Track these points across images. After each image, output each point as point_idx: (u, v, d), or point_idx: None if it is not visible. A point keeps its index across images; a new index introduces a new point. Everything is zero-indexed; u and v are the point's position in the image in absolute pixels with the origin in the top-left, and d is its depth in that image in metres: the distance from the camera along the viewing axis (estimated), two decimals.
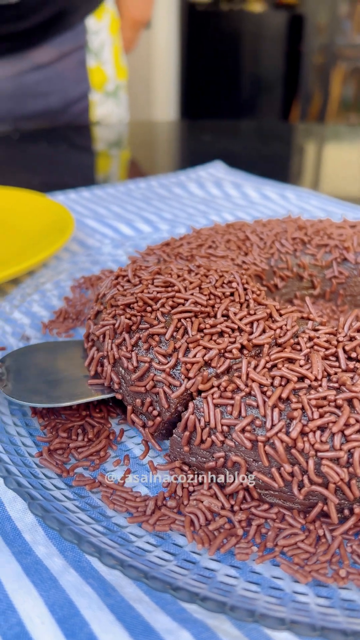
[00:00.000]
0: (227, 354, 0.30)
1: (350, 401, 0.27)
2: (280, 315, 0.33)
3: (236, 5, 4.43)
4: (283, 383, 0.28)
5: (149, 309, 0.33)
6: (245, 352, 0.30)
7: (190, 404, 0.28)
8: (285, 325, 0.31)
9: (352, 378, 0.28)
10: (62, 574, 0.24)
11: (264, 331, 0.31)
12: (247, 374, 0.28)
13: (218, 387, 0.28)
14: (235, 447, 0.27)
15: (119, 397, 0.33)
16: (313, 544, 0.26)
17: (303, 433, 0.26)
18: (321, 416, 0.26)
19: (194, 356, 0.30)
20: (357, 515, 0.26)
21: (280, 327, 0.31)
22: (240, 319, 0.32)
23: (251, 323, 0.32)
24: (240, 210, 0.69)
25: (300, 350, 0.30)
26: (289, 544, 0.25)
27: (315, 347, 0.30)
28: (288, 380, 0.28)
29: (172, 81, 3.00)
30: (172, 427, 0.32)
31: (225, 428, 0.27)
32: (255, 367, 0.29)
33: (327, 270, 0.44)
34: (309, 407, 0.27)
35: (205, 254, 0.41)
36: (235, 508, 0.27)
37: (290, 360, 0.29)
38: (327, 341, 0.30)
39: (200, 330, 0.31)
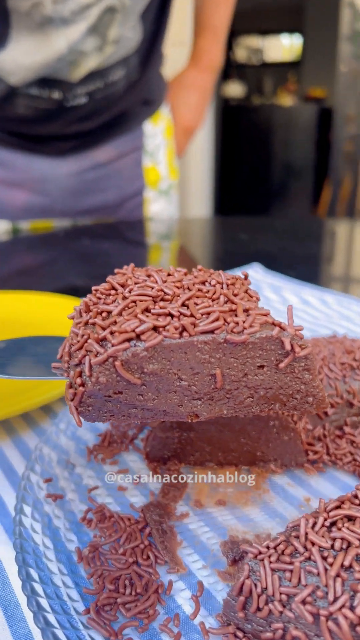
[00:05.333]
0: (163, 331, 0.28)
1: None
2: (246, 312, 0.31)
3: (267, 99, 4.70)
4: (344, 546, 0.26)
5: (113, 292, 0.32)
6: (184, 334, 0.28)
7: (246, 566, 0.27)
8: (244, 322, 0.29)
9: None
10: None
11: (216, 320, 0.29)
12: (306, 535, 0.27)
13: (275, 549, 0.27)
14: (295, 619, 0.26)
15: (65, 375, 0.31)
16: None
17: None
18: None
19: (127, 327, 0.28)
20: None
21: (237, 323, 0.29)
22: (199, 308, 0.30)
23: (208, 313, 0.30)
24: (280, 317, 0.69)
25: None
26: None
27: None
28: (349, 544, 0.27)
29: (207, 171, 3.13)
30: (100, 411, 0.30)
31: (284, 597, 0.26)
32: (313, 526, 0.28)
33: None
34: None
35: None
36: None
37: (350, 518, 0.28)
38: None
39: (147, 310, 0.30)
